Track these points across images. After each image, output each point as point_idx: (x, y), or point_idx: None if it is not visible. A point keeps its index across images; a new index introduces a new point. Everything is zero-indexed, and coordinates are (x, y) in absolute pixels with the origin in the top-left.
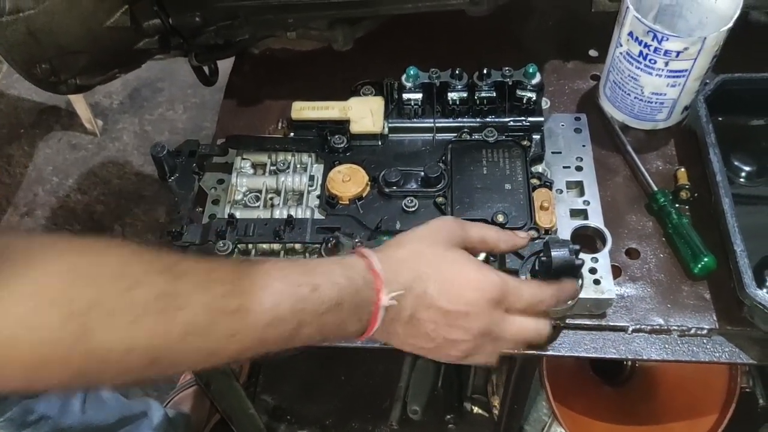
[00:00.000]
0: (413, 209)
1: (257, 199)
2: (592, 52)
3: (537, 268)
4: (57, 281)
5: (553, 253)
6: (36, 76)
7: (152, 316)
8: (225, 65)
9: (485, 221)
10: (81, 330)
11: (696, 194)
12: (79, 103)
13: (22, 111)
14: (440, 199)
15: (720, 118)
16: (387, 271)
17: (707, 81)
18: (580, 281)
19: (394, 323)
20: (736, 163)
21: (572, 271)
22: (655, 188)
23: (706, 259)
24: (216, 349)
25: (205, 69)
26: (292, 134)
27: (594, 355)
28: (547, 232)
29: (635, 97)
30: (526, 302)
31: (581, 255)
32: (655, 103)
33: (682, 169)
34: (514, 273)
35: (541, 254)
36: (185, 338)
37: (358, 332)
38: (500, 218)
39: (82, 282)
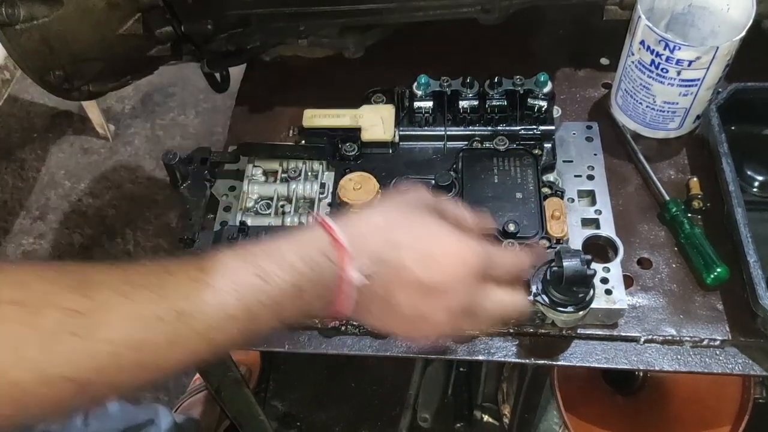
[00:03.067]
0: None
1: (268, 206)
2: (604, 61)
3: (548, 278)
4: None
5: (565, 263)
6: (49, 83)
7: (68, 340)
8: (236, 72)
9: (496, 230)
10: None
11: (708, 204)
12: (91, 107)
13: (35, 115)
14: None
15: (732, 128)
16: (353, 242)
17: (720, 90)
18: (592, 291)
19: (366, 301)
20: (749, 173)
21: (584, 281)
22: (668, 197)
23: (718, 270)
24: (159, 361)
25: (217, 75)
26: (303, 142)
27: (606, 366)
28: (558, 241)
29: (647, 106)
30: (507, 272)
31: (593, 265)
32: (667, 112)
33: (695, 179)
34: (525, 283)
35: (553, 264)
36: (115, 357)
37: (322, 311)
38: (511, 227)
39: None
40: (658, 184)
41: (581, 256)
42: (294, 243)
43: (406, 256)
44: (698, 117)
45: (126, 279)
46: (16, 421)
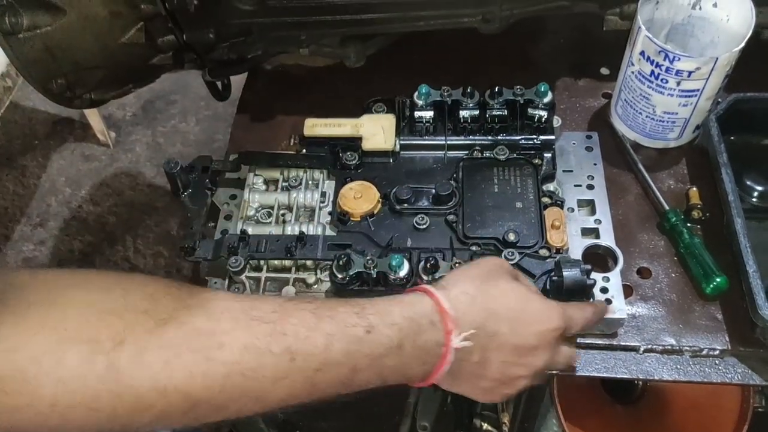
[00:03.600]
0: (424, 227)
1: (269, 215)
2: (604, 71)
3: (548, 287)
4: (80, 317)
5: (565, 273)
6: (52, 91)
7: (188, 356)
8: (238, 80)
9: (496, 240)
10: (109, 367)
11: (708, 213)
12: (92, 115)
13: (37, 122)
14: (451, 217)
15: (732, 138)
16: (457, 310)
17: (719, 100)
18: (592, 301)
19: (461, 365)
20: (748, 183)
21: (584, 291)
22: (667, 207)
23: (718, 280)
24: (262, 394)
25: (218, 84)
26: (304, 151)
27: (605, 375)
28: (558, 251)
29: (647, 116)
30: (580, 327)
31: (592, 275)
32: (667, 122)
33: (694, 189)
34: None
35: (553, 274)
36: (227, 381)
37: (422, 376)
38: (511, 237)
39: (108, 318)
40: (658, 194)
41: (581, 266)
42: (403, 305)
43: (502, 323)
44: (698, 127)
45: (248, 310)
46: (126, 427)
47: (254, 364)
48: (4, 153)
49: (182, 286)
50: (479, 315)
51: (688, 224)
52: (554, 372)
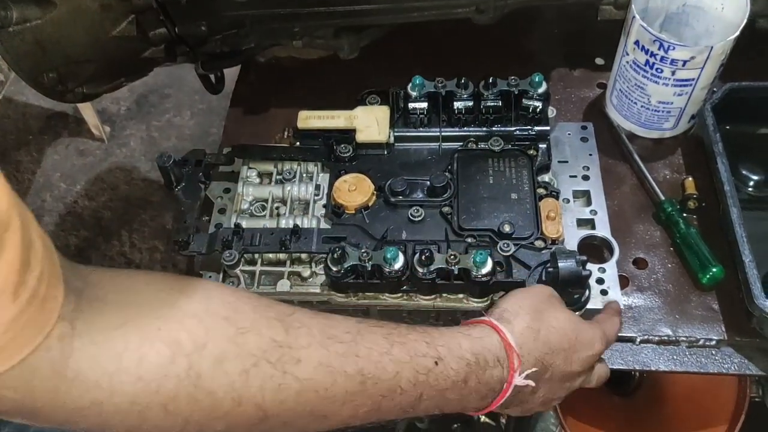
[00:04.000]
0: (419, 219)
1: (263, 208)
2: (599, 61)
3: (544, 279)
4: (162, 318)
5: (560, 264)
6: (43, 85)
7: (266, 367)
8: (231, 73)
9: (492, 231)
10: (189, 369)
11: (704, 203)
12: (86, 109)
13: (30, 117)
14: (446, 209)
15: (728, 127)
16: (521, 347)
17: (714, 89)
18: (587, 292)
19: (516, 396)
20: (744, 172)
21: (579, 282)
22: (663, 197)
23: (714, 270)
24: (329, 413)
25: (212, 77)
26: (298, 143)
27: None
28: (553, 242)
29: (642, 106)
30: (611, 342)
31: (588, 265)
32: (662, 111)
33: (690, 179)
34: (521, 285)
35: (548, 265)
36: (300, 396)
37: (477, 408)
38: (507, 228)
39: (189, 321)
40: (654, 184)
41: (576, 257)
42: (472, 340)
43: (558, 356)
44: (693, 117)
45: (324, 328)
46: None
47: (327, 382)
48: None
49: (261, 299)
50: (541, 350)
51: (684, 214)
52: None
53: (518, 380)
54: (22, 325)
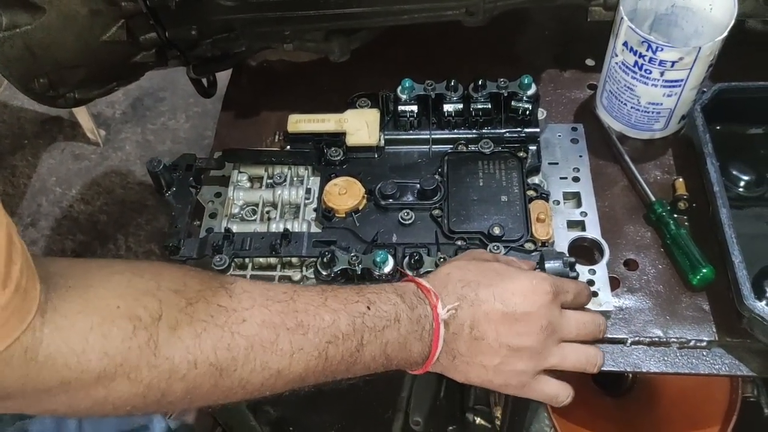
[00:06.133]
0: (410, 222)
1: (254, 212)
2: (589, 62)
3: None
4: (120, 297)
5: (547, 266)
6: (34, 90)
7: (215, 330)
8: (224, 76)
9: (482, 234)
10: (148, 342)
11: (694, 204)
12: (81, 113)
13: (26, 121)
14: (436, 212)
15: (718, 127)
16: (437, 287)
17: (704, 90)
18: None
19: (456, 340)
20: (734, 173)
21: None
22: (653, 198)
23: (704, 271)
24: (282, 367)
25: (204, 81)
26: (288, 147)
27: None
28: (543, 244)
29: (632, 107)
30: (572, 295)
31: (578, 267)
32: (652, 112)
33: (680, 179)
34: None
35: (537, 267)
36: (249, 353)
37: (422, 354)
38: (496, 231)
39: (144, 298)
40: (644, 185)
41: (563, 258)
42: (395, 287)
43: (484, 292)
44: (683, 117)
45: (263, 291)
46: (162, 398)
47: (272, 336)
48: None
49: (205, 272)
50: (459, 288)
51: (675, 215)
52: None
53: (442, 313)
54: (9, 314)
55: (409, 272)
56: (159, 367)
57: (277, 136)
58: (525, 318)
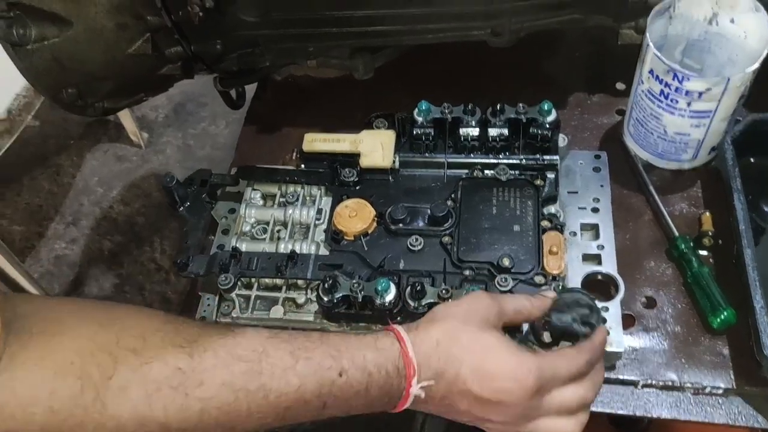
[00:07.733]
0: (418, 248)
1: (265, 231)
2: (620, 85)
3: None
4: (77, 352)
5: (554, 318)
6: (63, 100)
7: (168, 391)
8: (250, 88)
9: (490, 264)
10: (94, 401)
11: (720, 241)
12: (125, 115)
13: (72, 122)
14: (446, 239)
15: (752, 159)
16: (419, 357)
17: (739, 118)
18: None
19: (426, 403)
20: (766, 209)
21: (574, 338)
22: (677, 233)
23: (725, 313)
24: (236, 424)
25: (232, 93)
26: (302, 166)
27: (600, 410)
28: (554, 278)
29: (658, 136)
30: (563, 379)
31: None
32: (679, 143)
33: (707, 214)
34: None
35: (546, 318)
36: (203, 414)
37: (386, 410)
38: (506, 262)
39: (101, 355)
40: (668, 219)
41: (574, 314)
42: (376, 352)
43: (465, 371)
44: (713, 149)
45: (231, 348)
46: None
47: (230, 399)
48: (39, 152)
49: (176, 322)
50: (441, 361)
51: (699, 251)
52: None
53: (415, 389)
54: None
55: (400, 330)
56: (105, 425)
57: (294, 154)
58: (498, 405)
